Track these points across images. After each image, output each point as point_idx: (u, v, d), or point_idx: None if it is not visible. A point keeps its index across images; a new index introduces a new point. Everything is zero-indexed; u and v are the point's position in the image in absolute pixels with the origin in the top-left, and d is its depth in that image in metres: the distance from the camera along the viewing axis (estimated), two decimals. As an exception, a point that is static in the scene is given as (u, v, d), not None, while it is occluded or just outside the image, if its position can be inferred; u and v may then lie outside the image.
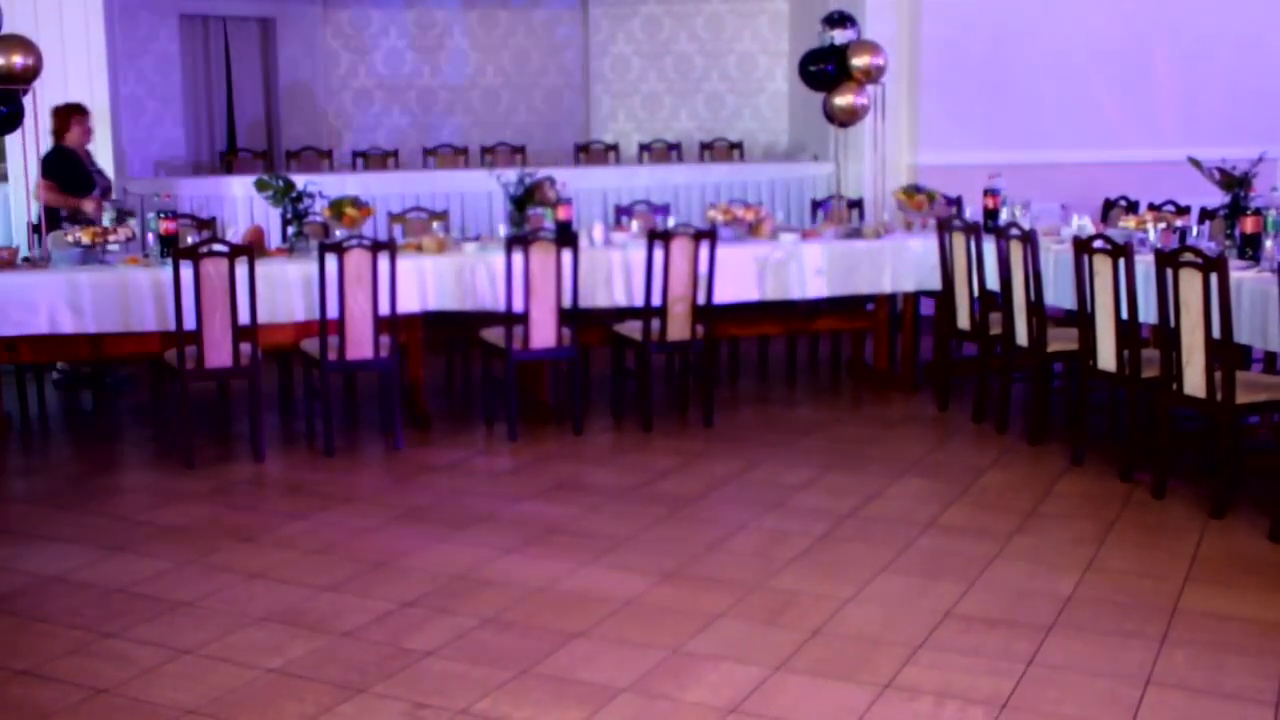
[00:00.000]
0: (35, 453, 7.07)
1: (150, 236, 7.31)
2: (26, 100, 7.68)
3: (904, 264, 7.83)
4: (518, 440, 7.00)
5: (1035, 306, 6.66)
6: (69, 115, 8.03)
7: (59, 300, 6.58)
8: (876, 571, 5.01)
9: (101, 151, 8.71)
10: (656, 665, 4.17)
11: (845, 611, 4.61)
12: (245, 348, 6.47)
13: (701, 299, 7.14)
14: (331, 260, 6.51)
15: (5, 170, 8.88)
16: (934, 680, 4.03)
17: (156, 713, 3.89)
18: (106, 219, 7.36)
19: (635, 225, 7.96)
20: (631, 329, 7.28)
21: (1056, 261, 6.96)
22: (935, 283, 7.68)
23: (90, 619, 4.61)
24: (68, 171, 7.96)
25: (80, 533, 5.58)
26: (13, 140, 8.10)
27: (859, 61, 9.35)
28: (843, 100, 9.47)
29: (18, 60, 7.42)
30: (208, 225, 8.20)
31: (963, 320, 7.42)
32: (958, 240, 7.33)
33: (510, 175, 7.66)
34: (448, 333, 7.84)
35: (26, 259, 7.03)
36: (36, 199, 7.79)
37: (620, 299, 7.29)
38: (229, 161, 11.61)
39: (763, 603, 4.70)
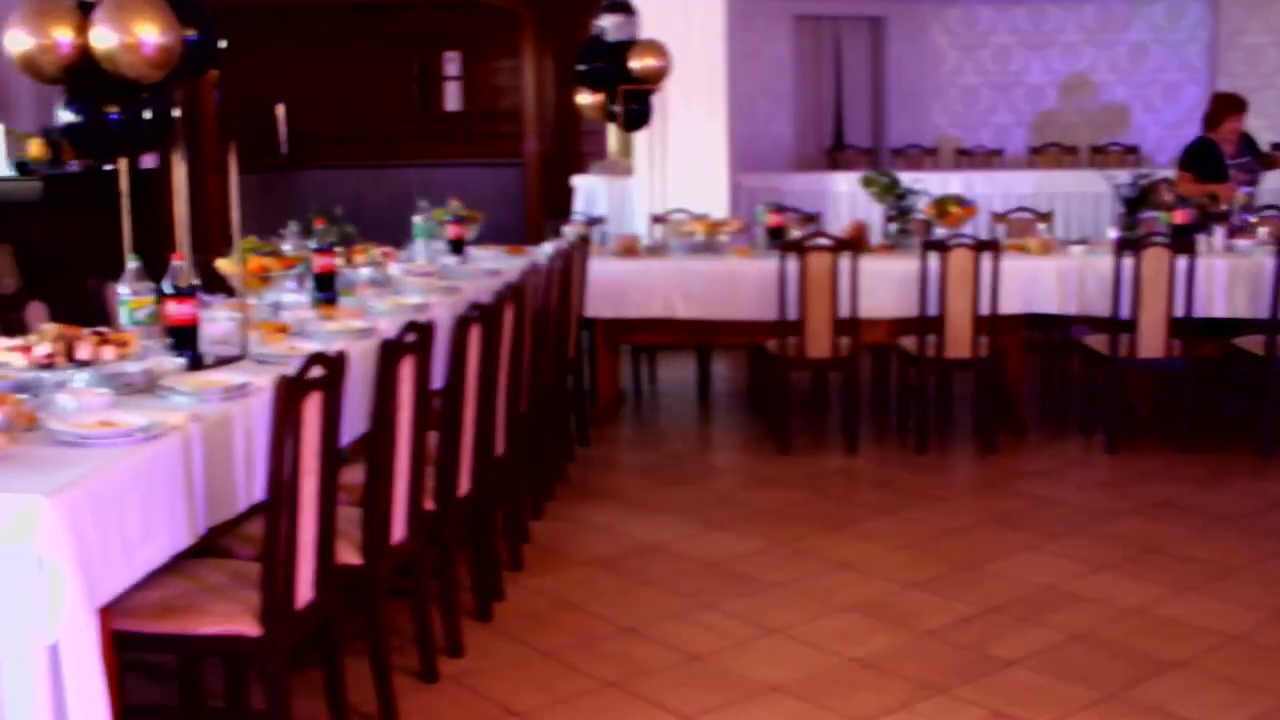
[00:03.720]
0: (645, 428, 7.56)
1: (758, 229, 7.64)
2: (655, 100, 8.24)
3: None
4: (1117, 453, 6.65)
5: None
6: (1225, 108, 8.05)
7: (673, 287, 7.00)
8: None
9: (715, 149, 9.20)
10: (1268, 711, 3.81)
11: None
12: (844, 340, 6.59)
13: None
14: (934, 258, 6.48)
15: (631, 165, 9.56)
16: None
17: (744, 685, 4.03)
18: (1236, 204, 7.51)
19: (1262, 231, 7.31)
20: (1254, 343, 6.70)
21: None
22: None
23: (688, 588, 4.86)
24: (1203, 162, 8.09)
25: (681, 506, 5.90)
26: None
27: None
28: None
29: (651, 63, 7.97)
30: (813, 220, 8.41)
31: None
32: None
33: (1122, 176, 7.32)
34: (1048, 336, 7.61)
35: (647, 248, 7.54)
36: (1173, 190, 7.83)
37: (1241, 310, 6.73)
38: (835, 158, 11.89)
39: (1398, 657, 4.18)
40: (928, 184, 7.65)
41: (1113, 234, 7.09)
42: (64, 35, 3.96)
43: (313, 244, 5.10)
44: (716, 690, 4.00)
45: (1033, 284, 6.84)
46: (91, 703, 2.79)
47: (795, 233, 7.40)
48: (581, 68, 8.20)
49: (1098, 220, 9.38)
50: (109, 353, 3.56)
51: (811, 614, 4.59)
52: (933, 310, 6.52)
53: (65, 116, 4.06)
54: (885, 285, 6.76)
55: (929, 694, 3.94)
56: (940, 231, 7.15)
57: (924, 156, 11.81)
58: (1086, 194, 9.84)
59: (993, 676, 4.06)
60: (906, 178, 7.56)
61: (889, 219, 7.47)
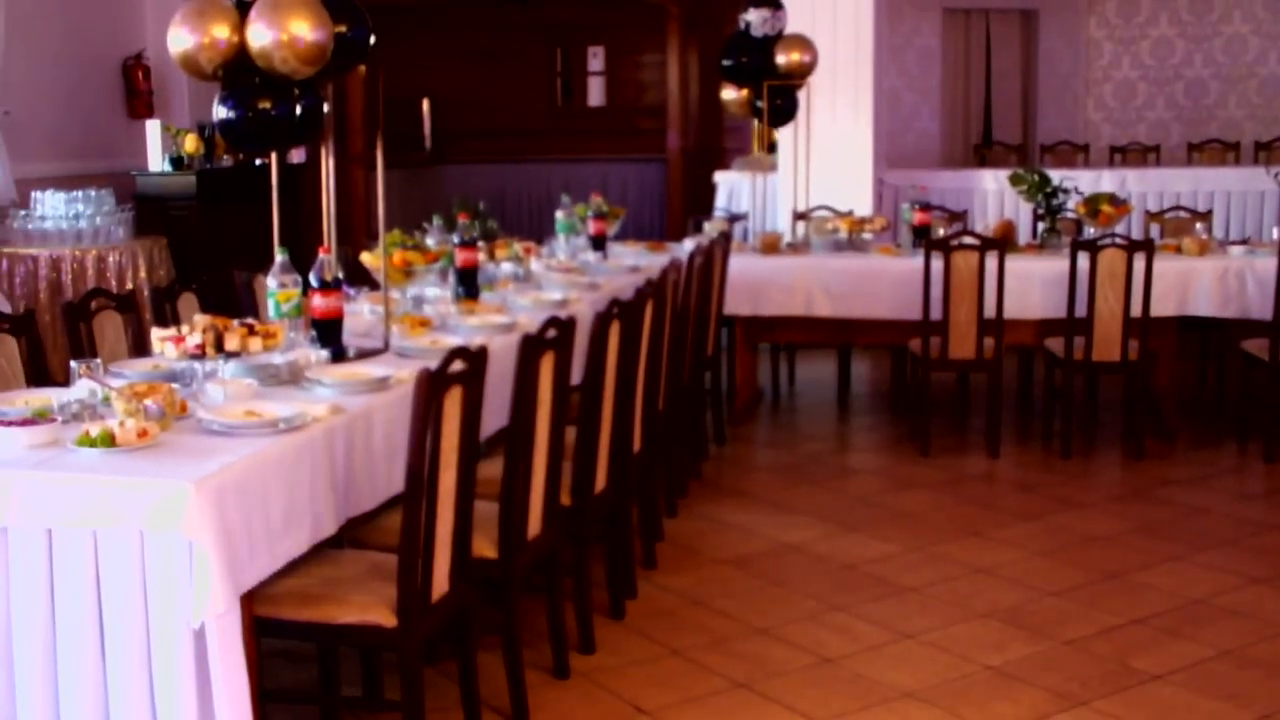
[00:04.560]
0: (783, 427, 7.51)
1: (903, 227, 7.52)
2: (800, 95, 8.17)
3: None
4: (1275, 463, 6.41)
5: None
6: None
7: (815, 285, 6.94)
8: None
9: (860, 145, 9.08)
10: None
11: None
12: (989, 341, 6.46)
13: None
14: (1083, 258, 6.32)
15: (775, 161, 9.49)
16: None
17: (876, 690, 3.98)
18: None
19: None
20: None
21: None
22: None
23: (822, 590, 4.81)
24: None
25: (818, 507, 5.84)
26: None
27: None
28: None
29: (797, 58, 7.90)
30: (959, 218, 8.27)
31: None
32: None
33: (1288, 173, 7.06)
34: (1203, 340, 7.36)
35: (789, 245, 7.48)
36: None
37: None
38: (982, 154, 11.68)
39: None
40: (1079, 182, 7.45)
41: (1277, 234, 6.84)
42: (222, 33, 4.06)
43: (456, 238, 5.17)
44: (848, 694, 3.96)
45: (1188, 286, 6.63)
46: (234, 686, 2.87)
47: (941, 231, 7.28)
48: (727, 63, 8.16)
49: (1263, 220, 9.04)
50: (256, 344, 3.65)
51: (948, 620, 4.52)
52: (1081, 312, 6.37)
53: (220, 112, 4.16)
54: (1032, 285, 6.63)
55: (1067, 705, 3.85)
56: (1091, 231, 6.97)
57: (1075, 153, 11.50)
58: (1250, 192, 9.49)
59: (1135, 690, 3.95)
60: (1056, 175, 7.37)
61: (1038, 218, 7.31)
